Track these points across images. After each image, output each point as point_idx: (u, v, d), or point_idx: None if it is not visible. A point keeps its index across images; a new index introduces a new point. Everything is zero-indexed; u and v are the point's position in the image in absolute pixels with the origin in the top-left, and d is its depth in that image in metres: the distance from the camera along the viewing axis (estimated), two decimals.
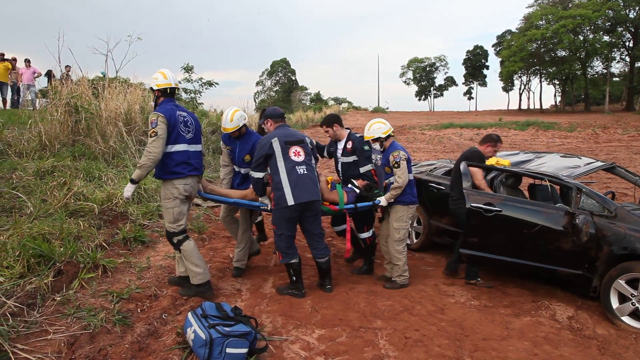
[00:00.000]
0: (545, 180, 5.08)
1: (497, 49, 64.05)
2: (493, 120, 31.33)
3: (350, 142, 5.29)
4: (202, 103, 14.95)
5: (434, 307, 4.46)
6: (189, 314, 3.49)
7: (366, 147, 5.23)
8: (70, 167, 7.27)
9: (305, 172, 4.44)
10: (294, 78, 76.08)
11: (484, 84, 76.35)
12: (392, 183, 4.90)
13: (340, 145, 5.40)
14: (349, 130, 5.45)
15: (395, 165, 4.84)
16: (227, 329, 3.25)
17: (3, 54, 13.44)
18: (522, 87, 64.60)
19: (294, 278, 4.59)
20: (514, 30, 56.40)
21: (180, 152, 4.17)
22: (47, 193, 6.31)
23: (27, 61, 14.43)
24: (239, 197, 4.91)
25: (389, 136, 5.01)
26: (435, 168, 6.60)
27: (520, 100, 67.73)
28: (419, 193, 6.28)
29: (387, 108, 60.44)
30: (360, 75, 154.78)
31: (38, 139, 8.38)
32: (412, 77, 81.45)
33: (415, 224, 6.36)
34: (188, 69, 13.04)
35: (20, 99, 14.16)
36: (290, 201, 4.32)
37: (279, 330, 3.83)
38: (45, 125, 8.61)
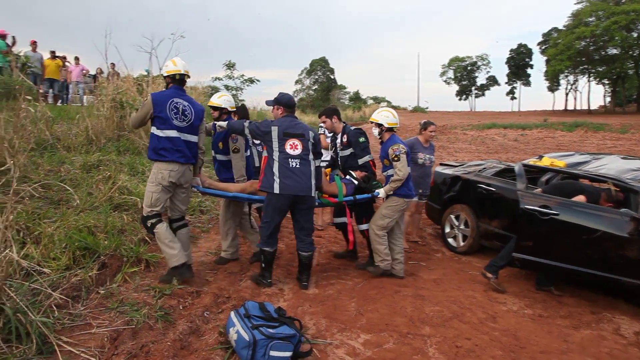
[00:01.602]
0: (609, 183, 4.73)
1: (543, 48, 61.92)
2: (538, 120, 30.24)
3: (345, 136, 5.34)
4: (244, 100, 15.00)
5: (485, 315, 4.22)
6: (232, 313, 3.39)
7: (361, 139, 5.26)
8: (115, 162, 7.35)
9: (298, 166, 4.41)
10: (332, 77, 75.84)
11: (527, 83, 73.96)
12: (390, 176, 4.91)
13: (338, 139, 5.46)
14: (344, 124, 5.49)
15: (395, 158, 4.83)
16: (271, 330, 3.13)
17: (54, 52, 13.85)
18: (569, 86, 62.21)
19: (264, 265, 4.55)
20: (561, 27, 54.35)
21: (169, 137, 4.22)
22: (92, 186, 6.39)
23: (77, 59, 14.83)
24: (238, 190, 4.83)
25: (391, 129, 5.02)
26: (484, 168, 6.31)
27: (566, 100, 64.98)
28: (466, 194, 6.08)
29: (427, 107, 59.45)
30: (399, 74, 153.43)
31: (85, 134, 8.54)
32: (452, 76, 79.88)
33: (462, 226, 6.09)
34: (230, 66, 13.08)
35: (69, 95, 14.57)
36: (277, 190, 4.33)
37: (323, 333, 3.68)
38: (92, 120, 8.78)
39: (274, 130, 4.44)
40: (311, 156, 4.55)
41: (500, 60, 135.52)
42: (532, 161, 5.53)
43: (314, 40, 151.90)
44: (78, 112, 9.61)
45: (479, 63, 77.86)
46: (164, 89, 4.61)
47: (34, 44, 12.53)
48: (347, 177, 5.17)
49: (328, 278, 4.92)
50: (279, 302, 4.24)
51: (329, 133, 5.83)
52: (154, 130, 4.24)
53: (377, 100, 66.70)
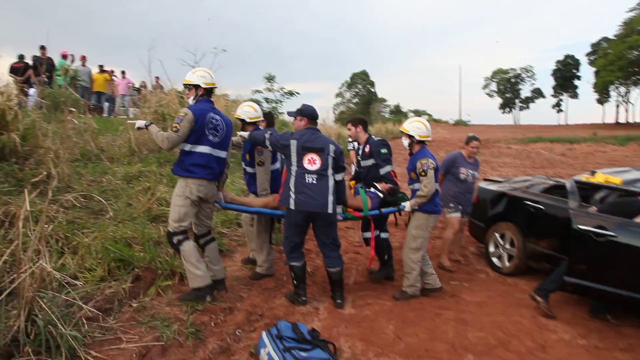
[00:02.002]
0: None
1: (592, 58, 59.71)
2: (586, 134, 29.07)
3: (368, 146, 5.19)
4: (283, 113, 15.04)
5: (534, 344, 3.91)
6: (264, 334, 3.27)
7: (383, 150, 5.10)
8: (155, 173, 7.42)
9: (315, 182, 4.27)
10: (373, 90, 75.79)
11: (575, 95, 71.40)
12: (417, 190, 4.70)
13: (361, 149, 5.33)
14: (369, 135, 5.32)
15: (422, 173, 4.62)
16: (303, 354, 2.99)
17: (102, 66, 14.32)
18: (620, 98, 59.62)
19: (295, 282, 4.47)
20: (611, 37, 52.29)
21: (202, 154, 4.07)
22: (132, 197, 6.46)
23: (123, 73, 15.30)
24: (260, 205, 4.74)
25: (422, 141, 4.80)
26: (532, 185, 5.98)
27: (617, 113, 62.15)
28: (512, 211, 5.77)
29: (469, 121, 58.29)
30: (440, 86, 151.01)
31: (128, 145, 8.71)
32: (495, 89, 78.20)
33: (507, 246, 5.78)
34: (270, 79, 13.15)
35: (116, 108, 15.01)
36: (292, 205, 4.26)
37: (359, 357, 3.50)
38: (135, 132, 8.93)
39: (293, 144, 4.32)
40: (330, 171, 4.37)
41: (546, 72, 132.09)
42: (584, 177, 5.19)
43: (355, 53, 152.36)
44: (123, 123, 9.84)
45: (524, 75, 75.99)
46: (193, 99, 4.28)
47: (83, 58, 13.02)
48: (372, 190, 5.01)
49: (365, 297, 4.73)
50: (313, 321, 4.08)
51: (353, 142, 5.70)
52: (184, 145, 4.07)
53: (418, 113, 66.00)
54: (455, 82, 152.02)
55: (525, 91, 76.97)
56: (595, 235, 4.24)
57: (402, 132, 4.91)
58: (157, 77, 14.04)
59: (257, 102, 16.51)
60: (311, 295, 4.65)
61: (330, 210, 4.31)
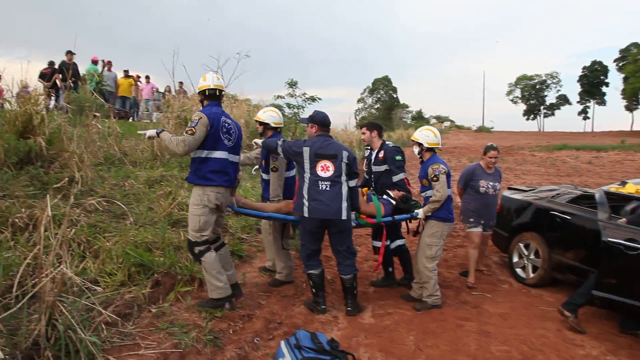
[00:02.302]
0: None
1: (620, 64, 58.42)
2: (614, 142, 28.41)
3: (382, 151, 5.15)
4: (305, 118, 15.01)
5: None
6: (282, 343, 3.23)
7: (398, 157, 5.09)
8: (177, 177, 7.47)
9: (328, 188, 4.25)
10: (395, 96, 75.46)
11: (602, 102, 69.90)
12: (429, 197, 4.71)
13: (374, 154, 5.27)
14: (383, 141, 5.30)
15: (434, 178, 4.60)
16: None
17: (128, 71, 14.55)
18: None
19: (314, 290, 4.45)
20: None
21: (218, 159, 4.00)
22: (154, 201, 6.50)
23: (147, 77, 15.52)
24: (273, 210, 4.73)
25: (432, 149, 4.81)
26: (558, 194, 5.82)
27: None
28: (537, 221, 5.63)
29: (492, 127, 57.56)
30: (463, 93, 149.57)
31: (150, 149, 8.79)
32: (520, 95, 77.09)
33: (532, 256, 5.63)
34: (292, 84, 13.15)
35: (139, 112, 15.22)
36: (306, 213, 4.25)
37: None
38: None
39: (306, 152, 4.31)
40: (344, 178, 4.35)
41: (572, 78, 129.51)
42: (614, 188, 5.03)
43: (378, 59, 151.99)
44: (146, 128, 9.95)
45: (549, 81, 74.74)
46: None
47: (109, 63, 13.25)
48: (385, 196, 4.98)
49: (385, 307, 4.65)
50: (332, 331, 4.03)
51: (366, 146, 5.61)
52: (201, 152, 4.00)
53: (440, 120, 65.53)
54: (478, 89, 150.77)
55: (550, 97, 75.73)
56: (626, 248, 4.10)
57: (412, 140, 4.95)
58: (181, 82, 14.21)
59: (279, 107, 16.57)
60: (330, 304, 4.60)
61: (344, 217, 4.28)
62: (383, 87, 75.82)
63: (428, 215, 4.72)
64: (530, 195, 6.08)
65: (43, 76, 11.99)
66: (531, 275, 5.62)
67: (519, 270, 5.80)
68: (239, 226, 6.42)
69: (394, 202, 4.90)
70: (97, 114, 7.78)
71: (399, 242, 5.30)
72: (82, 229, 4.72)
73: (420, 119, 62.80)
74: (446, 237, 4.84)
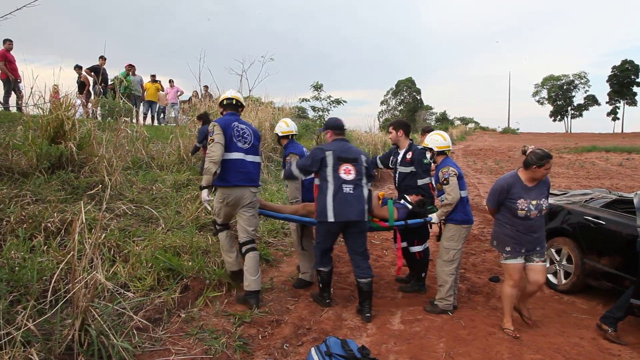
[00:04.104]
0: None
1: None
2: None
3: (410, 153, 5.13)
4: None
5: None
6: (312, 350, 3.19)
7: (425, 160, 5.01)
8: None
9: (352, 191, 4.36)
10: (419, 97, 74.79)
11: (632, 102, 67.91)
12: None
13: (401, 155, 5.25)
14: (411, 141, 5.28)
15: (445, 182, 4.50)
16: None
17: (154, 76, 14.75)
18: None
19: (321, 285, 4.61)
20: None
21: (233, 160, 4.35)
22: (181, 205, 6.56)
23: (171, 81, 15.70)
24: (291, 212, 4.89)
25: (443, 152, 4.72)
26: (591, 199, 5.65)
27: None
28: (570, 226, 5.47)
29: (518, 129, 56.61)
30: (488, 94, 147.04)
31: (177, 153, 8.89)
32: (546, 96, 75.55)
33: (564, 262, 5.48)
34: (317, 87, 13.16)
35: (165, 116, 15.42)
36: (331, 218, 4.31)
37: None
38: (184, 140, 9.11)
39: (329, 155, 4.41)
40: (364, 180, 4.49)
41: (601, 79, 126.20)
42: None
43: (402, 60, 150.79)
44: (172, 132, 10.07)
45: (577, 82, 73.04)
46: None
47: (132, 67, 13.43)
48: (402, 201, 4.99)
49: (414, 312, 4.58)
50: (361, 337, 3.97)
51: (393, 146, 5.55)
52: None
53: (465, 121, 64.67)
54: (503, 90, 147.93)
55: (578, 98, 73.95)
56: None
57: (423, 147, 4.91)
58: (206, 86, 14.35)
59: (303, 109, 16.60)
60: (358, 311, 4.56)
61: (366, 219, 4.44)
62: (406, 88, 75.24)
63: (445, 219, 4.64)
64: (562, 199, 5.92)
65: (82, 84, 12.34)
66: (563, 281, 5.47)
67: (550, 276, 5.65)
68: (266, 230, 6.42)
69: (410, 206, 4.90)
70: (127, 119, 7.89)
71: (415, 248, 5.22)
72: (113, 234, 4.78)
73: (444, 121, 62.10)
74: (465, 239, 4.71)
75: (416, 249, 5.16)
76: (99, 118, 9.08)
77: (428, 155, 4.85)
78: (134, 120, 10.15)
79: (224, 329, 3.68)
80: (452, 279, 4.58)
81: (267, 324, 3.97)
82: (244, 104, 4.95)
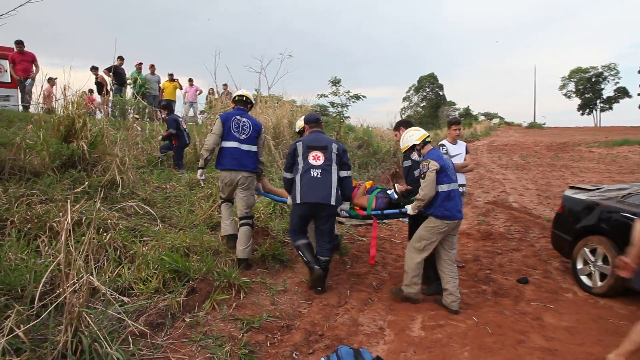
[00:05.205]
0: None
1: None
2: None
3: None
4: (349, 117, 14.68)
5: None
6: None
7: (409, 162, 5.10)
8: (218, 179, 7.33)
9: (319, 175, 4.66)
10: (441, 93, 73.59)
11: None
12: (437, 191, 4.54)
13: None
14: None
15: (422, 176, 4.47)
16: None
17: (172, 75, 14.66)
18: None
19: (305, 258, 4.75)
20: None
21: (230, 148, 5.07)
22: (194, 204, 6.39)
23: (191, 80, 15.60)
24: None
25: (426, 143, 4.71)
26: (629, 194, 5.23)
27: None
28: (605, 223, 5.08)
29: (544, 123, 55.10)
30: (513, 88, 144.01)
31: (194, 151, 8.75)
32: (574, 89, 73.37)
33: (600, 263, 5.08)
34: (335, 83, 12.89)
35: (184, 115, 15.35)
36: (298, 199, 4.66)
37: None
38: (202, 138, 8.95)
39: (299, 146, 4.82)
40: (334, 167, 4.74)
41: (632, 70, 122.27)
42: None
43: (424, 56, 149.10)
44: (190, 130, 9.94)
45: (606, 74, 70.71)
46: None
47: (152, 67, 13.37)
48: (390, 191, 5.16)
49: (436, 317, 4.27)
50: (378, 344, 3.70)
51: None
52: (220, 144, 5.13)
53: (489, 117, 63.35)
54: (528, 84, 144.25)
55: (607, 91, 71.55)
56: None
57: (405, 152, 4.92)
58: (225, 85, 14.22)
59: (324, 107, 16.37)
60: (377, 314, 4.29)
61: (332, 202, 4.65)
62: (429, 84, 74.11)
63: (428, 212, 4.52)
64: (596, 195, 5.52)
65: (100, 85, 12.38)
66: (599, 283, 5.07)
67: (584, 278, 5.26)
68: (281, 229, 6.19)
69: (395, 196, 5.01)
70: (137, 116, 7.77)
71: None
72: (120, 233, 4.62)
73: (468, 116, 60.86)
74: (442, 234, 4.52)
75: None
76: (112, 117, 9.01)
77: (414, 156, 4.88)
78: (147, 119, 10.06)
79: (230, 334, 3.45)
80: (417, 268, 4.55)
81: (277, 329, 3.72)
82: (253, 101, 5.58)
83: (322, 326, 3.93)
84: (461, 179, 6.05)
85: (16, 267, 3.25)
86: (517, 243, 7.11)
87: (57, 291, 3.02)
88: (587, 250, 5.26)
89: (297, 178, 4.71)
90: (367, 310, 4.41)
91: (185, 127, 8.54)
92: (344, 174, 4.82)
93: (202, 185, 5.88)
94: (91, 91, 12.84)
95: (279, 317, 3.91)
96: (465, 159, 6.01)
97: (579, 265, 5.35)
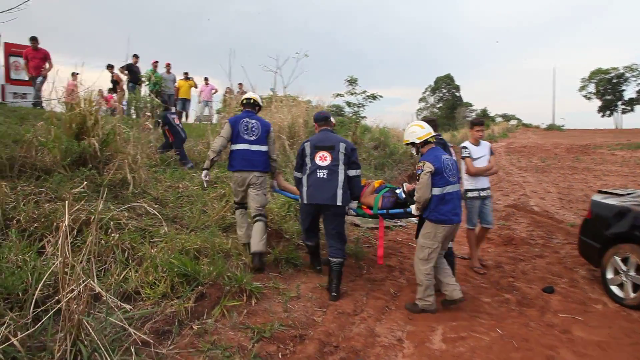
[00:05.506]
0: None
1: None
2: None
3: None
4: (365, 117, 14.43)
5: None
6: None
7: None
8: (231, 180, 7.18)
9: (325, 176, 4.64)
10: (458, 94, 72.83)
11: None
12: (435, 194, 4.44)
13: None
14: None
15: (417, 177, 4.39)
16: None
17: (187, 73, 14.59)
18: None
19: (310, 256, 5.16)
20: None
21: (238, 150, 5.16)
22: (207, 204, 6.24)
23: (206, 79, 15.52)
24: None
25: (427, 142, 4.55)
26: None
27: None
28: (638, 230, 4.78)
29: (563, 125, 54.07)
30: (531, 89, 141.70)
31: (208, 150, 8.58)
32: (594, 91, 71.90)
33: (632, 272, 4.78)
34: (352, 82, 12.66)
35: (199, 114, 15.27)
36: (305, 200, 4.70)
37: None
38: (215, 137, 8.81)
39: (307, 146, 4.85)
40: (341, 167, 4.68)
41: None
42: None
43: (441, 57, 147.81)
44: (205, 129, 9.81)
45: (627, 74, 69.12)
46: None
47: (168, 66, 13.28)
48: (398, 190, 5.11)
49: (457, 329, 4.02)
50: (396, 358, 3.47)
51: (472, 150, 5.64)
52: (230, 146, 5.23)
53: (507, 118, 62.57)
54: (546, 85, 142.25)
55: (629, 92, 69.90)
56: None
57: (405, 144, 4.83)
58: (240, 84, 14.09)
59: (340, 107, 16.17)
60: (395, 324, 4.06)
61: (339, 203, 4.58)
62: (445, 85, 73.41)
63: (424, 215, 4.45)
64: (628, 199, 5.22)
65: (115, 83, 12.35)
66: (632, 295, 4.77)
67: (615, 289, 4.96)
68: (295, 231, 6.00)
69: (403, 195, 4.96)
70: (149, 114, 7.64)
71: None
72: (129, 234, 4.47)
73: (485, 118, 60.15)
74: (442, 239, 4.38)
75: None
76: (127, 115, 8.91)
77: (413, 151, 4.75)
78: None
79: (239, 344, 3.26)
80: (428, 279, 4.37)
81: (289, 339, 3.51)
82: (260, 103, 5.67)
83: (337, 336, 3.71)
84: (484, 182, 5.81)
85: (14, 270, 3.09)
86: (541, 249, 6.82)
87: (59, 296, 2.86)
88: (618, 259, 4.96)
89: (305, 178, 4.73)
90: (385, 319, 4.18)
91: (179, 122, 8.41)
92: (352, 173, 4.77)
93: (206, 186, 5.94)
94: (111, 90, 12.84)
95: (291, 326, 3.70)
96: (489, 161, 5.76)
97: (609, 275, 5.05)
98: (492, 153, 5.83)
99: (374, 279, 5.24)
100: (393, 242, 7.05)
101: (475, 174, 5.70)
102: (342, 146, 4.74)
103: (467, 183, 5.78)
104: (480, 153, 5.72)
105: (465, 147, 5.75)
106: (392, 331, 3.91)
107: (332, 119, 5.77)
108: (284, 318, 3.84)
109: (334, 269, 4.61)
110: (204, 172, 5.27)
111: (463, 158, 5.77)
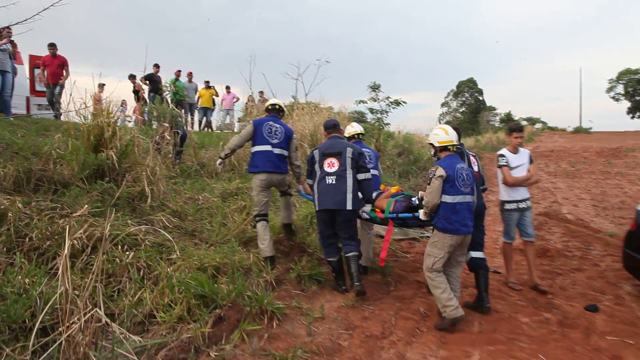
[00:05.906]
0: None
1: None
2: None
3: None
4: (389, 124, 14.09)
5: None
6: None
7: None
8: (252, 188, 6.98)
9: (334, 182, 4.78)
10: (481, 98, 71.68)
11: None
12: (444, 202, 4.31)
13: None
14: None
15: (428, 182, 4.30)
16: None
17: (208, 82, 14.54)
18: None
19: (334, 274, 4.93)
20: None
21: (260, 151, 5.29)
22: (227, 216, 6.04)
23: (228, 88, 15.45)
24: None
25: (446, 148, 4.40)
26: None
27: None
28: None
29: (591, 128, 52.61)
30: (556, 92, 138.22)
31: (229, 160, 8.41)
32: (623, 92, 69.95)
33: None
34: (375, 88, 12.37)
35: (220, 123, 15.17)
36: (316, 206, 4.89)
37: None
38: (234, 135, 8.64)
39: (316, 154, 5.02)
40: (349, 171, 4.82)
41: None
42: None
43: (463, 60, 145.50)
44: (226, 138, 9.65)
45: None
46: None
47: (189, 74, 13.25)
48: (414, 197, 5.01)
49: (496, 355, 3.66)
50: None
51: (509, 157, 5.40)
52: (252, 148, 5.36)
53: (532, 122, 61.22)
54: (572, 87, 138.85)
55: None
56: None
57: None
58: (261, 92, 13.96)
59: (362, 113, 15.89)
60: (426, 347, 3.75)
61: (349, 207, 4.71)
62: (468, 89, 72.37)
63: (432, 222, 4.35)
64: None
65: (137, 92, 12.37)
66: None
67: None
68: (319, 245, 5.74)
69: (417, 201, 4.83)
70: (166, 124, 7.48)
71: (474, 253, 4.74)
72: (146, 251, 4.29)
73: (509, 122, 59.02)
74: (449, 248, 4.22)
75: (475, 254, 4.76)
76: (148, 125, 8.79)
77: (432, 152, 4.61)
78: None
79: None
80: (442, 287, 4.19)
81: None
82: (285, 109, 5.95)
83: None
84: (523, 192, 5.44)
85: (17, 298, 2.90)
86: (579, 262, 6.42)
87: (65, 325, 2.66)
88: None
89: (315, 185, 4.89)
90: (416, 342, 3.87)
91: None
92: (361, 176, 4.89)
93: (219, 170, 6.58)
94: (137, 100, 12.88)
95: (315, 353, 3.43)
96: (528, 170, 5.39)
97: None
98: (531, 161, 5.45)
99: (402, 296, 4.94)
100: (420, 254, 6.73)
101: (513, 184, 5.31)
102: (349, 151, 4.90)
103: (505, 194, 5.40)
104: (518, 161, 5.35)
105: (502, 155, 5.39)
106: (424, 357, 3.59)
107: (360, 127, 5.99)
108: (308, 342, 3.58)
109: (352, 262, 4.71)
110: (219, 160, 5.57)
111: (500, 167, 5.41)
